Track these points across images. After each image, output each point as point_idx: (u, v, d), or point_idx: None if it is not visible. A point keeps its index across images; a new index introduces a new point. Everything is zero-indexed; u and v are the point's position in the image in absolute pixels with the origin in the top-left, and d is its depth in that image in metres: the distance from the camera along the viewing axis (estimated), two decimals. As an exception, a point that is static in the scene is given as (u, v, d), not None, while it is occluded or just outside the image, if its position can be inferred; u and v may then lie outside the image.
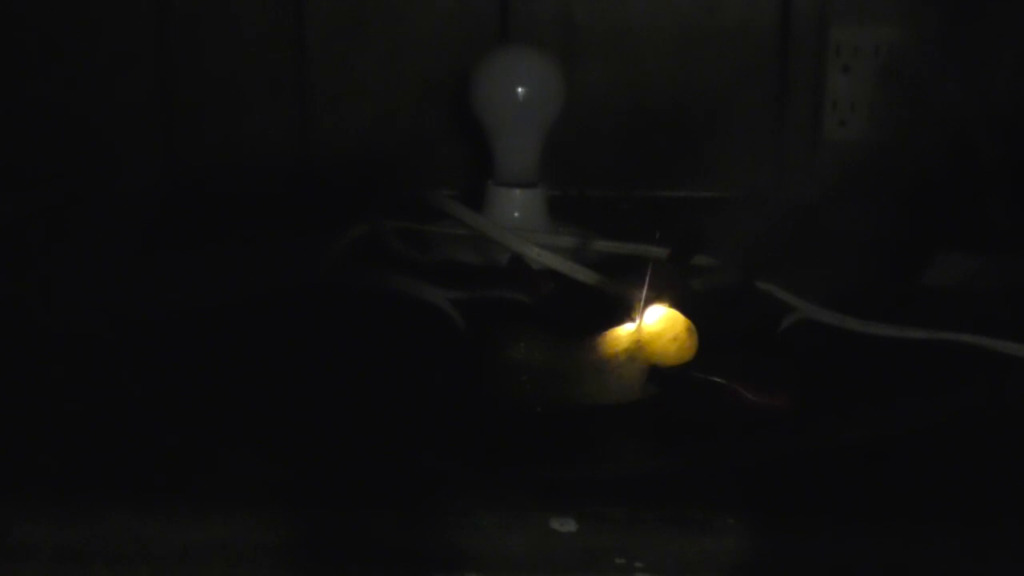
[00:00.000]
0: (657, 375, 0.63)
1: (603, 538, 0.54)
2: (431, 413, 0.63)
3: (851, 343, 0.72)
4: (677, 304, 0.63)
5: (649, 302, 0.62)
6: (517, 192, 0.90)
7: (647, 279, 0.62)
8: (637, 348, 0.62)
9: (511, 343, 0.63)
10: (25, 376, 0.68)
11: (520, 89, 0.89)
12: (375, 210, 0.89)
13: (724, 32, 1.03)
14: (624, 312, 0.63)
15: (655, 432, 0.62)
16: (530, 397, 0.62)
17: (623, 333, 0.62)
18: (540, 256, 0.80)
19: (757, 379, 0.63)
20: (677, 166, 1.05)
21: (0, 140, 1.05)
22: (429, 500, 0.55)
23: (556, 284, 0.76)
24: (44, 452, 0.59)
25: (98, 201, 1.03)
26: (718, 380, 0.63)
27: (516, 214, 0.90)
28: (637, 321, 0.62)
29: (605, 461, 0.58)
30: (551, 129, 0.91)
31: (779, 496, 0.55)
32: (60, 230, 0.95)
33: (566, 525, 0.54)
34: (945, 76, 0.97)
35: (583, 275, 0.78)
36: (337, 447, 0.59)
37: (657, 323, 0.62)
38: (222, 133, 1.06)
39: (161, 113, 1.06)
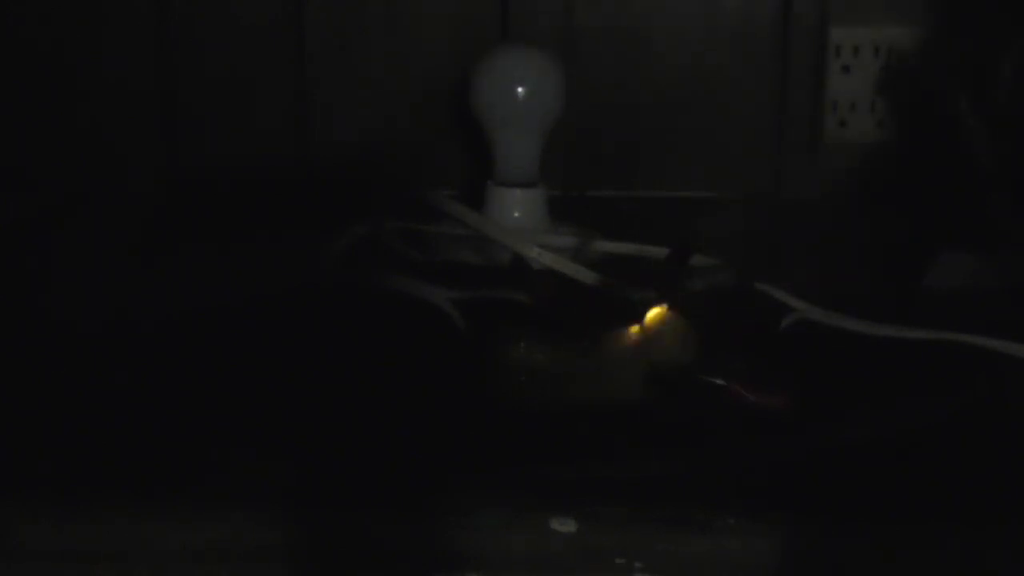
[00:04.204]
0: (657, 376, 0.63)
1: (603, 538, 0.54)
2: (431, 413, 0.63)
3: (851, 343, 0.72)
4: (677, 305, 0.63)
5: (650, 303, 0.62)
6: (517, 192, 0.90)
7: (648, 281, 0.62)
8: (637, 349, 0.62)
9: (511, 343, 0.63)
10: (25, 376, 0.68)
11: (520, 89, 0.89)
12: (375, 210, 0.89)
13: (724, 32, 1.03)
14: (624, 313, 0.63)
15: (655, 433, 0.61)
16: (530, 397, 0.62)
17: (623, 334, 0.62)
18: (540, 256, 0.80)
19: (757, 380, 0.63)
20: (677, 166, 1.05)
21: (0, 140, 1.05)
22: (429, 500, 0.55)
23: (556, 284, 0.76)
24: (44, 452, 0.59)
25: (98, 201, 1.03)
26: (718, 381, 0.63)
27: (516, 214, 0.90)
28: (637, 322, 0.62)
29: (605, 461, 0.58)
30: (551, 129, 0.91)
31: (779, 496, 0.55)
32: (60, 230, 0.95)
33: (566, 525, 0.54)
34: (945, 76, 0.97)
35: (583, 275, 0.78)
36: (337, 447, 0.59)
37: (657, 324, 0.62)
38: (222, 133, 1.06)
39: (161, 113, 1.06)
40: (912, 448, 0.59)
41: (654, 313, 0.62)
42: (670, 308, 0.62)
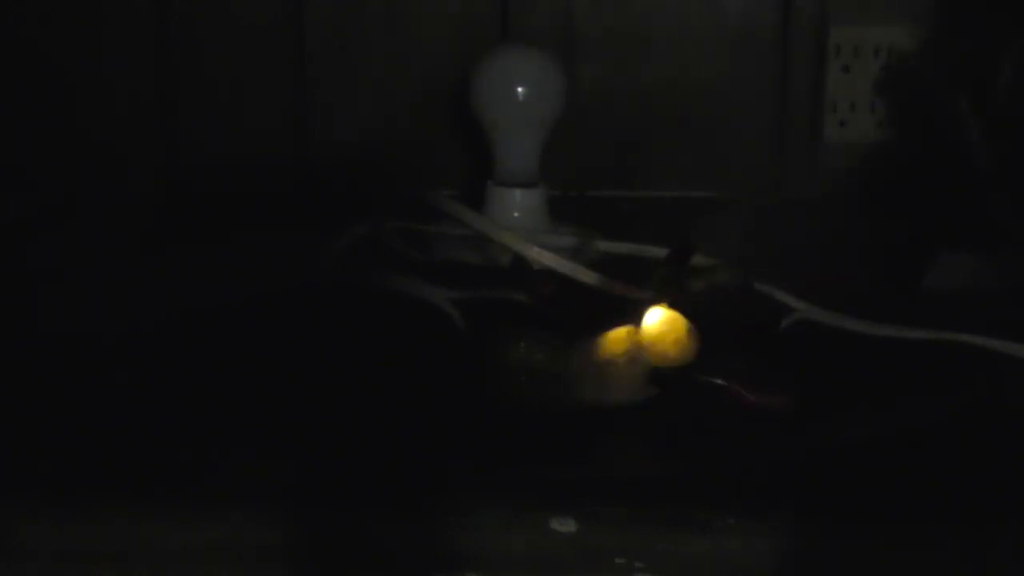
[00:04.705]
0: (657, 376, 0.63)
1: (603, 538, 0.54)
2: (431, 413, 0.63)
3: (851, 343, 0.72)
4: (677, 305, 0.63)
5: (650, 303, 0.62)
6: (517, 192, 0.90)
7: (648, 281, 0.62)
8: (637, 349, 0.62)
9: (511, 343, 0.63)
10: (25, 376, 0.68)
11: (520, 89, 0.89)
12: (375, 210, 0.89)
13: (724, 32, 1.03)
14: (624, 313, 0.63)
15: (655, 433, 0.61)
16: (530, 397, 0.62)
17: (624, 334, 0.62)
18: (540, 256, 0.80)
19: (757, 380, 0.63)
20: (677, 166, 1.05)
21: (0, 140, 1.05)
22: (429, 500, 0.55)
23: (556, 284, 0.76)
24: (44, 452, 0.59)
25: (98, 201, 1.03)
26: (718, 381, 0.63)
27: (516, 214, 0.90)
28: (637, 322, 0.62)
29: (605, 462, 0.58)
30: (551, 129, 0.91)
31: (779, 496, 0.55)
32: (60, 230, 0.95)
33: (566, 525, 0.54)
34: (945, 76, 0.97)
35: (583, 275, 0.78)
36: (337, 447, 0.59)
37: (657, 324, 0.62)
38: (222, 133, 1.06)
39: (161, 113, 1.06)
40: (912, 448, 0.59)
41: (654, 313, 0.62)
42: (670, 308, 0.62)
